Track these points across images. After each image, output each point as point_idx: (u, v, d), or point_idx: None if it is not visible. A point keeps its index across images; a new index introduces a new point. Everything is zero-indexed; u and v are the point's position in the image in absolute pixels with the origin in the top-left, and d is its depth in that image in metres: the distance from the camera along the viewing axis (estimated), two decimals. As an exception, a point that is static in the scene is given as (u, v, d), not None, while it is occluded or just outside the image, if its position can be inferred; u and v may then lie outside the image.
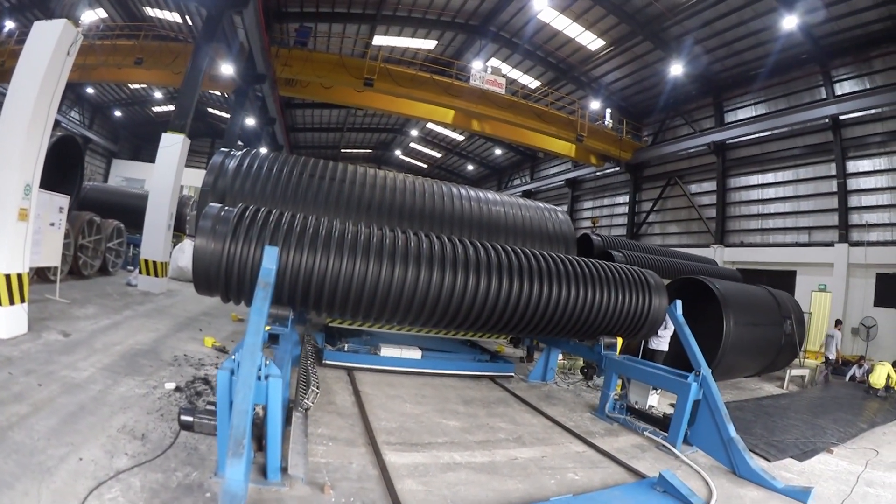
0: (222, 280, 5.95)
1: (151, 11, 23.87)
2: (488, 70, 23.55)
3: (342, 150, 44.55)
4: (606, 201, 33.27)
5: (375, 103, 24.29)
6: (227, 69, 20.34)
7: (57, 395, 5.23)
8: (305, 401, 5.23)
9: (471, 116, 24.89)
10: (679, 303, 8.00)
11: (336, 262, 6.10)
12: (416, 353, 9.03)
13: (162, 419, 5.06)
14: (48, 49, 7.27)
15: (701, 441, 6.66)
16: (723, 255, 23.49)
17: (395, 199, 9.03)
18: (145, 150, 37.76)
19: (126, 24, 22.64)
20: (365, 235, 6.44)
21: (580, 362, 10.62)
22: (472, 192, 10.04)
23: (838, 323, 16.14)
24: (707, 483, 5.58)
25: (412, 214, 8.96)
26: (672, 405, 7.75)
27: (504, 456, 5.65)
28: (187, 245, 16.92)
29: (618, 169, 30.15)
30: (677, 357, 9.10)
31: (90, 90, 32.83)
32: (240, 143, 20.76)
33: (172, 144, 13.54)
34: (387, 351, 8.85)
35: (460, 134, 37.90)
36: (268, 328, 5.32)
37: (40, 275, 10.73)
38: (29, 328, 7.38)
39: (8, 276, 7.02)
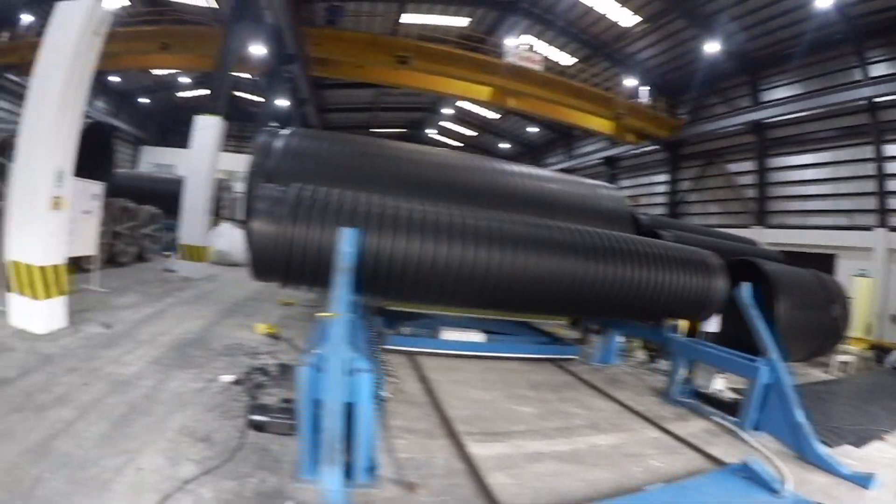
0: (283, 264, 5.67)
1: (174, -4, 23.54)
2: (521, 47, 22.98)
3: (372, 130, 43.62)
4: (644, 180, 32.46)
5: (411, 81, 23.71)
6: (257, 50, 20.01)
7: (104, 394, 4.84)
8: (382, 392, 5.03)
9: (507, 93, 24.26)
10: (749, 285, 7.70)
11: (415, 243, 5.78)
12: (479, 337, 8.75)
13: (224, 417, 4.67)
14: (75, 28, 6.76)
15: (768, 425, 6.48)
16: (763, 237, 22.90)
17: (447, 175, 8.58)
18: (172, 136, 37.53)
19: (147, 11, 22.28)
20: (441, 216, 6.15)
21: (638, 344, 10.42)
22: (525, 169, 9.59)
23: None
24: (780, 469, 5.35)
25: (468, 191, 8.41)
26: (732, 389, 7.64)
27: (585, 443, 5.46)
28: (224, 228, 16.83)
29: (655, 147, 29.47)
30: (725, 337, 8.83)
31: (114, 78, 32.64)
32: (273, 124, 20.53)
33: (208, 127, 13.37)
34: (449, 334, 8.59)
35: (494, 112, 37.21)
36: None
37: (77, 264, 10.64)
38: (68, 321, 7.03)
39: (43, 269, 6.62)
